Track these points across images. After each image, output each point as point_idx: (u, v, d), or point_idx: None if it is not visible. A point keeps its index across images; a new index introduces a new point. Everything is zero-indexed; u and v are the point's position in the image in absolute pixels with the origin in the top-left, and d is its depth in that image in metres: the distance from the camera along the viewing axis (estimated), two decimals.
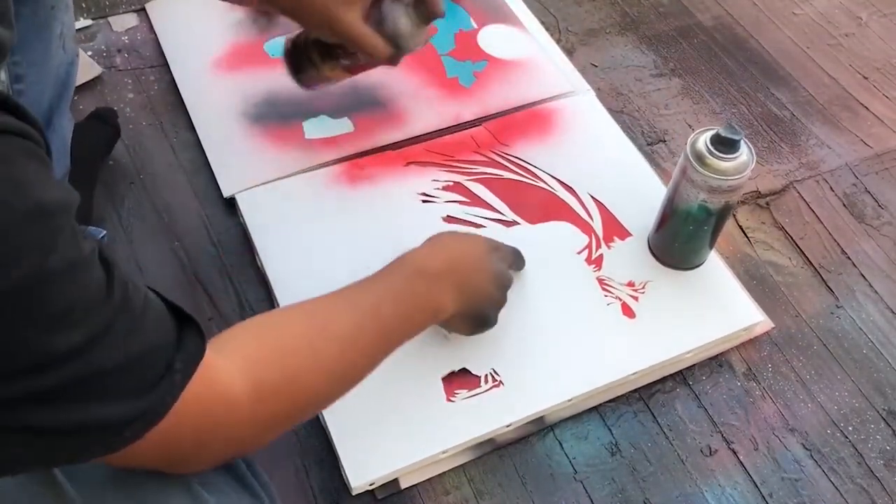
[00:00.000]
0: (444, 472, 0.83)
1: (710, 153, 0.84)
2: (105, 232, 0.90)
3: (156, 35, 1.19)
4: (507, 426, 0.84)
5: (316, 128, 1.08)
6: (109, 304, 0.43)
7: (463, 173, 1.04)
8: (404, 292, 0.71)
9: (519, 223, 1.00)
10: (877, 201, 1.10)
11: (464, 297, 0.76)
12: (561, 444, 0.86)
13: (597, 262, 0.97)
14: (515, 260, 0.91)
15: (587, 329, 0.91)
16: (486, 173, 1.04)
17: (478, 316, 0.82)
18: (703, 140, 0.85)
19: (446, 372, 0.86)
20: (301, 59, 0.90)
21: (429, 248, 0.78)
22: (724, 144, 0.84)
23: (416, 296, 0.72)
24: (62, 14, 0.79)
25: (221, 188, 1.02)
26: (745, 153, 0.85)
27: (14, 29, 0.45)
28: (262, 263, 0.95)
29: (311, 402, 0.63)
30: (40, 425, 0.42)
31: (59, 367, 0.41)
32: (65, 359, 0.41)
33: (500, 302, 0.84)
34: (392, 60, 0.85)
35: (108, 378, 0.44)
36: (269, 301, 0.94)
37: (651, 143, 1.14)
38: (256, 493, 0.62)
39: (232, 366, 0.54)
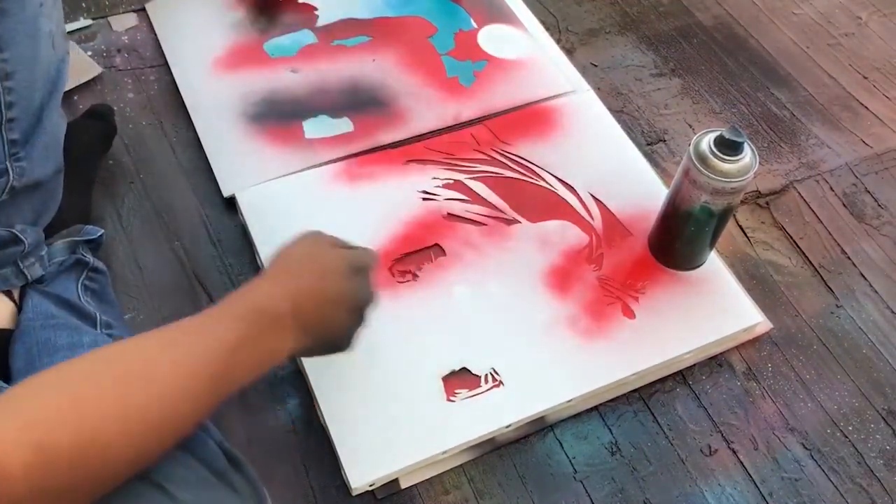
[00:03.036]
0: (444, 472, 0.83)
1: (714, 155, 0.84)
2: (102, 231, 0.90)
3: (156, 35, 1.19)
4: (507, 426, 0.84)
5: (316, 127, 1.08)
6: None
7: (463, 171, 1.04)
8: (237, 338, 0.60)
9: (519, 221, 1.00)
10: (877, 201, 1.10)
11: (309, 336, 0.67)
12: (561, 443, 0.86)
13: (597, 262, 0.97)
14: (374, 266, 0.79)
15: (587, 329, 0.91)
16: (486, 171, 1.04)
17: (324, 348, 0.73)
18: (706, 142, 0.86)
19: (446, 371, 0.86)
20: None
21: (276, 278, 0.68)
22: (728, 146, 0.84)
23: (254, 343, 0.61)
24: (52, 12, 0.78)
25: (221, 188, 1.02)
26: (748, 155, 0.85)
27: None
28: (261, 262, 0.95)
29: (114, 468, 0.52)
30: None
31: None
32: None
33: (355, 330, 0.74)
34: None
35: None
36: None
37: (651, 142, 1.14)
38: (237, 489, 0.61)
39: (5, 433, 0.46)
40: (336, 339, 0.73)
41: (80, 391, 0.51)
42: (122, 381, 0.53)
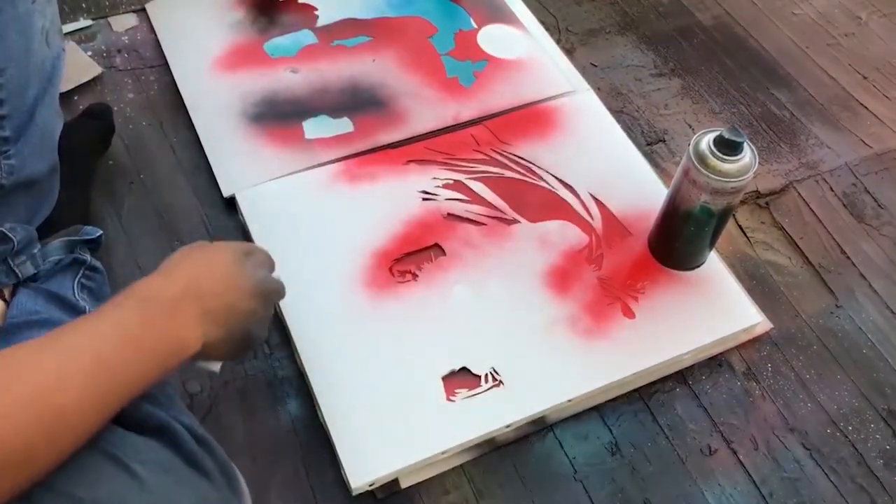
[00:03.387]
0: (444, 472, 0.83)
1: (713, 155, 0.84)
2: (101, 232, 0.90)
3: (156, 35, 1.19)
4: (507, 426, 0.84)
5: (316, 127, 1.08)
6: None
7: (463, 171, 1.04)
8: (132, 329, 0.58)
9: (519, 221, 1.00)
10: (877, 201, 1.10)
11: (215, 324, 0.64)
12: (561, 443, 0.86)
13: (597, 262, 0.97)
14: (271, 264, 0.77)
15: (587, 329, 0.91)
16: (486, 172, 1.04)
17: (238, 339, 0.69)
18: (706, 142, 0.86)
19: (446, 371, 0.86)
20: None
21: (163, 271, 0.65)
22: (728, 146, 0.84)
23: (150, 331, 0.59)
24: (45, 8, 0.78)
25: (221, 188, 1.02)
26: (748, 155, 0.85)
27: None
28: None
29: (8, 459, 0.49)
30: None
31: None
32: None
33: (264, 315, 0.72)
34: None
35: None
36: None
37: (651, 142, 1.14)
38: (207, 473, 0.60)
39: None
40: (246, 329, 0.69)
41: None
42: (22, 370, 0.52)
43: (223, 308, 0.66)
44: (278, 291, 0.75)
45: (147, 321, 0.59)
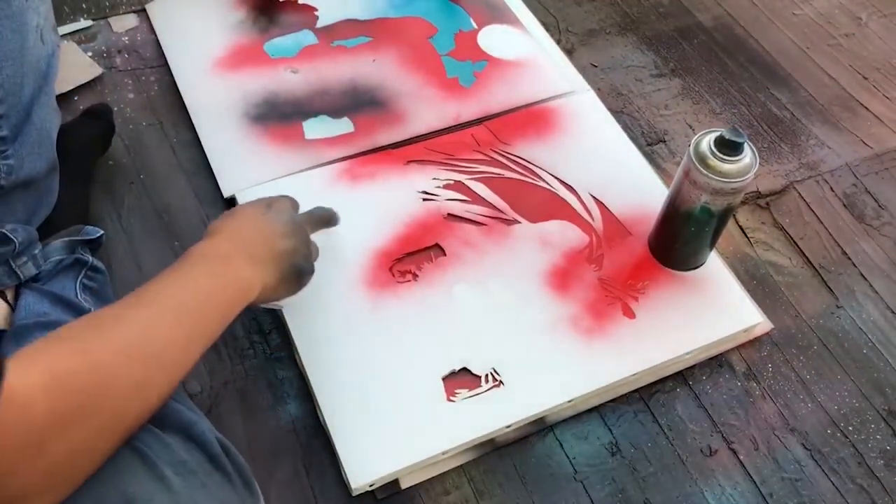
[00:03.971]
0: (444, 472, 0.83)
1: (714, 155, 0.84)
2: (102, 232, 0.90)
3: (156, 35, 1.19)
4: (508, 426, 0.84)
5: (316, 128, 1.08)
6: None
7: (463, 172, 1.04)
8: (200, 281, 0.68)
9: (520, 222, 1.00)
10: (877, 201, 1.10)
11: (264, 266, 0.75)
12: (561, 444, 0.86)
13: (597, 262, 0.97)
14: (295, 206, 0.87)
15: (587, 329, 0.91)
16: (486, 172, 1.04)
17: (290, 273, 0.80)
18: (706, 142, 0.86)
19: (446, 372, 0.86)
20: None
21: (205, 236, 0.76)
22: (728, 147, 0.84)
23: (215, 280, 0.69)
24: (39, 6, 0.78)
25: (221, 188, 1.02)
26: (748, 155, 0.85)
27: None
28: None
29: (121, 400, 0.57)
30: None
31: None
32: None
33: (305, 250, 0.82)
34: None
35: None
36: None
37: (651, 143, 1.14)
38: (230, 475, 0.62)
39: (19, 364, 0.50)
40: (294, 263, 0.79)
41: (83, 333, 0.57)
42: (117, 322, 0.59)
43: (266, 252, 0.76)
44: (304, 226, 0.84)
45: (209, 272, 0.68)
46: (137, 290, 0.64)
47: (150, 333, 0.60)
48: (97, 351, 0.56)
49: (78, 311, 0.80)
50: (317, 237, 0.98)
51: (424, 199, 1.01)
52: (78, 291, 0.83)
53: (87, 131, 1.01)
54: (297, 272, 0.80)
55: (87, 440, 0.53)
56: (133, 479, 0.55)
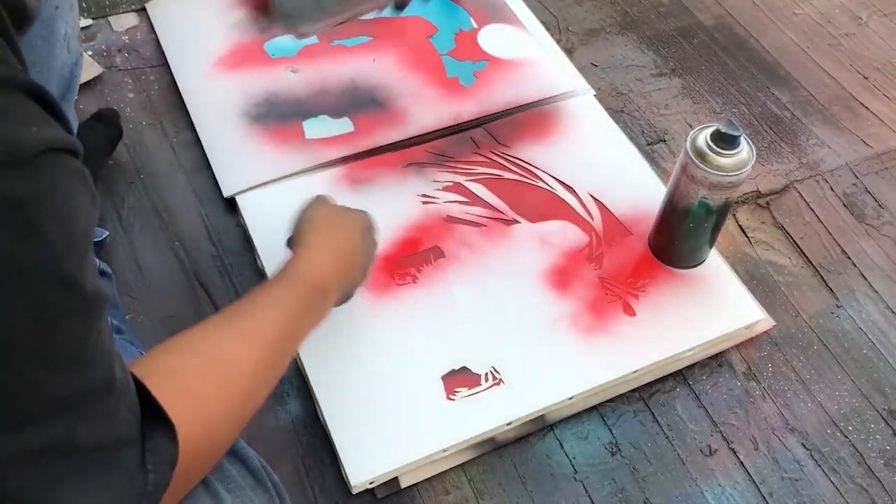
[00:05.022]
0: (444, 472, 0.83)
1: (711, 149, 0.85)
2: (108, 233, 0.90)
3: (156, 35, 1.19)
4: (508, 424, 0.84)
5: (316, 128, 1.08)
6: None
7: (463, 174, 1.04)
8: (296, 315, 0.68)
9: (519, 222, 1.00)
10: (877, 201, 1.10)
11: (343, 294, 0.80)
12: (561, 443, 0.86)
13: (597, 261, 0.97)
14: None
15: (588, 326, 0.91)
16: (486, 174, 1.04)
17: (343, 300, 0.83)
18: (703, 136, 0.86)
19: (446, 370, 0.86)
20: None
21: (317, 248, 0.76)
22: (725, 140, 0.84)
23: (309, 316, 0.70)
24: (67, 14, 0.78)
25: (221, 188, 1.02)
26: (745, 149, 0.85)
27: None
28: (262, 263, 0.95)
29: (252, 402, 0.60)
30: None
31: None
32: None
33: (362, 280, 0.85)
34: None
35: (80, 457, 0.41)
36: None
37: (651, 142, 1.14)
38: (269, 490, 0.62)
39: (187, 414, 0.50)
40: (350, 292, 0.83)
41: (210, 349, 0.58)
42: (238, 339, 0.61)
43: (351, 282, 0.81)
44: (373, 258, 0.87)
45: (307, 306, 0.69)
46: (232, 316, 0.63)
47: (238, 367, 0.59)
48: (228, 373, 0.58)
49: None
50: None
51: (424, 203, 1.01)
52: None
53: (97, 135, 1.01)
54: (348, 298, 0.84)
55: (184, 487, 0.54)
56: (191, 497, 0.54)
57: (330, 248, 0.77)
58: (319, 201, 0.84)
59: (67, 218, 0.38)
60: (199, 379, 0.55)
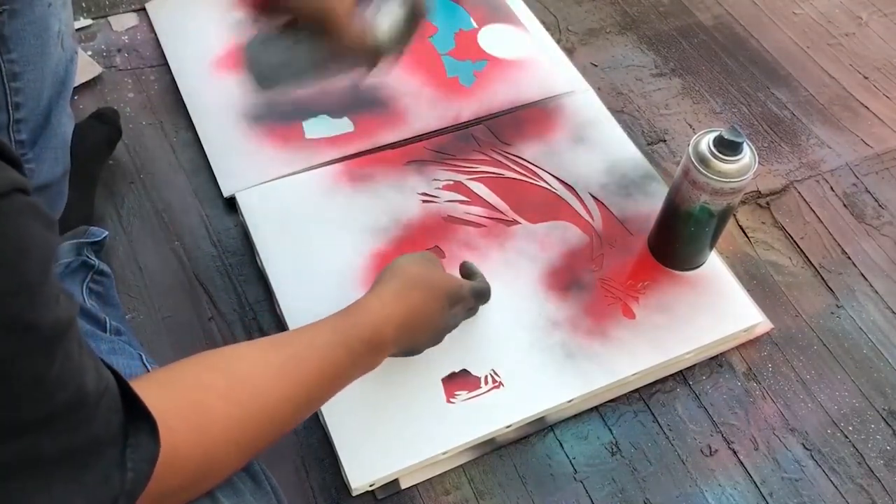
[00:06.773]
0: (444, 473, 0.83)
1: (713, 155, 0.84)
2: (107, 233, 0.90)
3: (156, 35, 1.19)
4: (508, 427, 0.84)
5: (316, 128, 1.08)
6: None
7: (463, 172, 1.04)
8: (342, 364, 0.67)
9: (519, 222, 1.00)
10: (877, 201, 1.10)
11: (400, 349, 0.75)
12: (561, 444, 0.86)
13: (597, 262, 0.97)
14: (480, 300, 0.86)
15: (587, 329, 0.91)
16: (486, 172, 1.04)
17: (407, 355, 0.80)
18: (705, 142, 0.85)
19: (446, 373, 0.86)
20: None
21: (389, 302, 0.73)
22: (727, 147, 0.84)
23: (354, 368, 0.69)
24: (60, 11, 0.78)
25: (221, 188, 1.02)
26: (747, 155, 0.85)
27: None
28: (262, 263, 0.95)
29: (217, 480, 0.57)
30: None
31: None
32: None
33: (433, 345, 0.81)
34: (371, 61, 0.82)
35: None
36: (269, 301, 0.94)
37: (651, 142, 1.14)
38: (268, 493, 0.62)
39: (191, 434, 0.51)
40: (413, 354, 0.80)
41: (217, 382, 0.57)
42: (275, 380, 0.60)
43: (409, 343, 0.77)
44: (457, 325, 0.83)
45: (355, 359, 0.68)
46: (278, 346, 0.64)
47: (263, 400, 0.59)
48: (252, 397, 0.57)
49: (90, 318, 0.80)
50: (318, 236, 0.97)
51: (424, 202, 1.01)
52: (84, 295, 0.82)
53: (96, 135, 1.01)
54: (409, 357, 0.81)
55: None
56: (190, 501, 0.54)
57: (401, 306, 0.73)
58: (421, 258, 0.81)
59: (14, 262, 0.37)
60: (217, 399, 0.55)
